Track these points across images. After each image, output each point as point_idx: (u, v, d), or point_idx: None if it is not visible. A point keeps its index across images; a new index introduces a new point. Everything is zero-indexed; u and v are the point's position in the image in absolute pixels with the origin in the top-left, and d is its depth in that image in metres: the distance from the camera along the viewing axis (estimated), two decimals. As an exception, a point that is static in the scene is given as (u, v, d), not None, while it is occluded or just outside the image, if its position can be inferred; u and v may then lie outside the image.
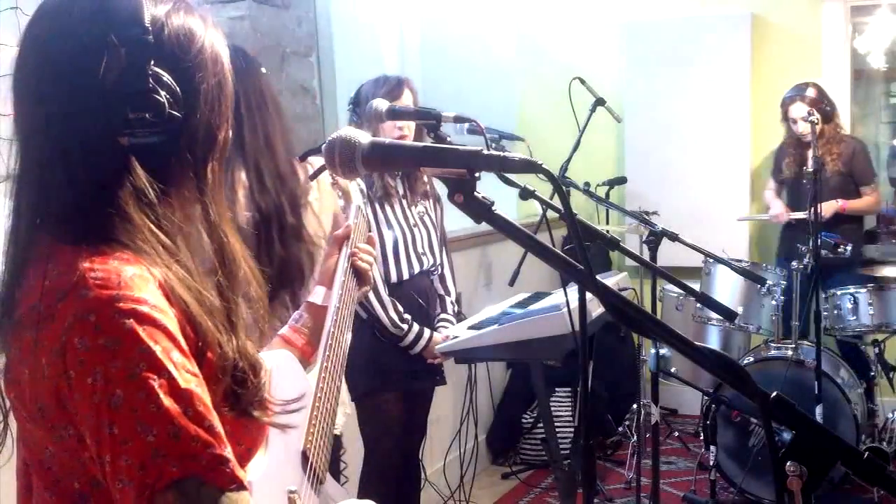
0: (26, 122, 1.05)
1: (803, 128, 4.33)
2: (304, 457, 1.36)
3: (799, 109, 4.42)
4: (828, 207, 4.30)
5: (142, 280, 0.98)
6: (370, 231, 1.88)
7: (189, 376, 0.97)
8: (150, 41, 1.02)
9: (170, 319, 0.98)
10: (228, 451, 0.98)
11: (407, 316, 2.89)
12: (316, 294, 1.64)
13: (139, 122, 1.01)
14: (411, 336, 2.88)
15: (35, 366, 0.97)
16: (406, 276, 2.93)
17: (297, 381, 1.36)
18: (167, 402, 0.94)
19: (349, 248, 1.68)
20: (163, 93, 1.02)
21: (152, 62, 1.02)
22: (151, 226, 1.03)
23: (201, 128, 1.08)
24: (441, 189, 2.92)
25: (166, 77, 1.03)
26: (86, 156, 1.01)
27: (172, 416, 0.94)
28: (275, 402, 1.13)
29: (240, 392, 1.07)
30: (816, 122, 4.02)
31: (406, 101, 2.89)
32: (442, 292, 3.09)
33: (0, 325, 1.03)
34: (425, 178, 3.02)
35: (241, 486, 0.98)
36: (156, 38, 1.03)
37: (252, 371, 1.08)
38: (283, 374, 1.29)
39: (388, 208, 2.91)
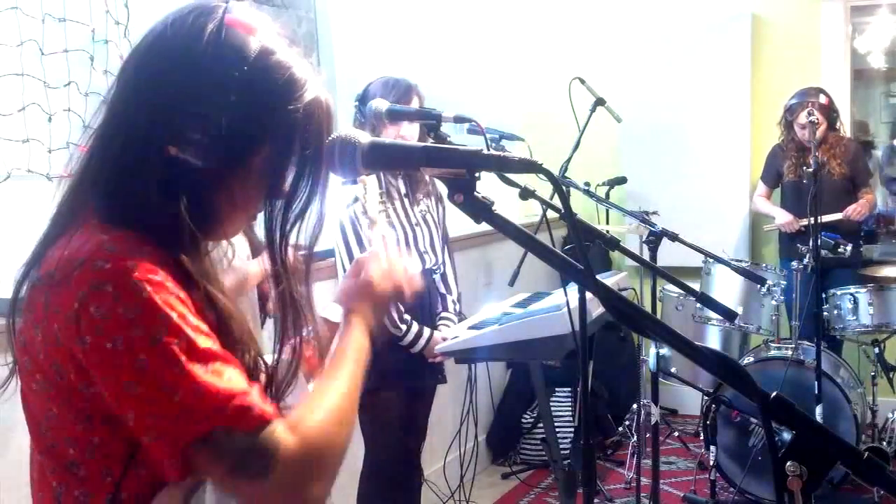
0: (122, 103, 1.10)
1: (811, 133, 4.29)
2: None
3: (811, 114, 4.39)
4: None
5: (153, 257, 1.03)
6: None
7: (204, 337, 1.02)
8: (239, 75, 1.09)
9: (180, 289, 1.03)
10: (252, 395, 1.03)
11: (407, 316, 2.89)
12: (330, 310, 1.67)
13: (193, 141, 1.07)
14: (410, 336, 2.88)
15: (48, 330, 1.02)
16: None
17: None
18: (189, 364, 0.99)
19: None
20: (229, 124, 1.08)
21: (237, 93, 1.09)
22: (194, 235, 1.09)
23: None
24: (442, 188, 2.92)
25: (242, 113, 1.09)
26: (139, 154, 1.07)
27: (194, 376, 0.99)
28: None
29: None
30: (817, 122, 4.03)
31: (413, 106, 2.88)
32: (443, 291, 3.09)
33: (21, 284, 1.08)
34: (427, 178, 3.02)
35: (268, 422, 1.03)
36: (251, 74, 1.10)
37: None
38: None
39: (389, 207, 2.91)
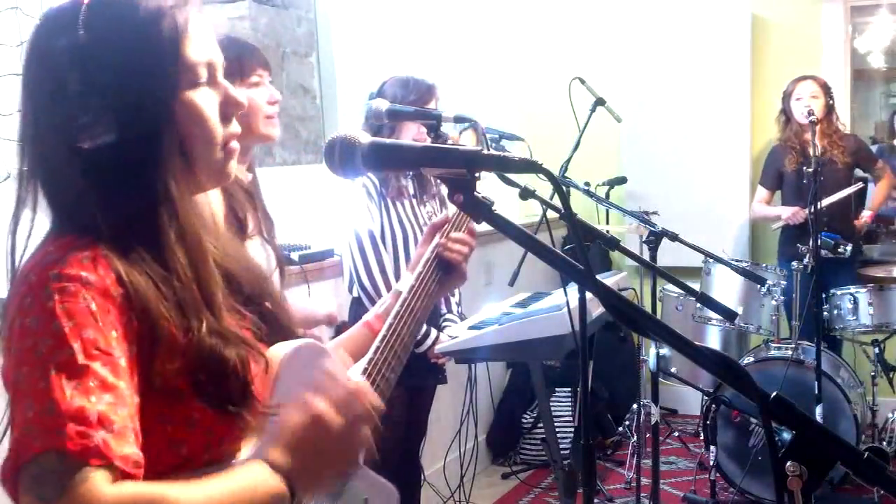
0: (25, 125, 1.11)
1: (806, 107, 4.24)
2: None
3: (808, 87, 4.40)
4: (861, 225, 4.54)
5: (87, 259, 1.00)
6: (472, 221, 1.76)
7: (96, 353, 0.96)
8: (81, 44, 1.05)
9: (104, 299, 0.99)
10: (107, 430, 0.94)
11: None
12: (403, 282, 1.59)
13: (88, 124, 1.04)
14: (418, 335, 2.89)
15: (5, 344, 1.02)
16: None
17: (311, 371, 1.30)
18: (55, 378, 0.94)
19: (441, 237, 1.62)
20: (97, 91, 1.05)
21: (86, 62, 1.05)
22: (117, 220, 1.05)
23: (152, 114, 1.07)
24: (443, 190, 2.91)
25: (102, 73, 1.04)
26: (53, 165, 1.07)
27: (53, 391, 0.93)
28: (262, 402, 1.11)
29: (217, 384, 1.06)
30: (816, 119, 4.03)
31: (432, 107, 2.89)
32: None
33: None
34: (433, 179, 3.03)
35: (100, 465, 0.93)
36: (88, 37, 1.05)
37: (225, 364, 1.07)
38: (295, 366, 1.21)
39: (399, 207, 2.92)
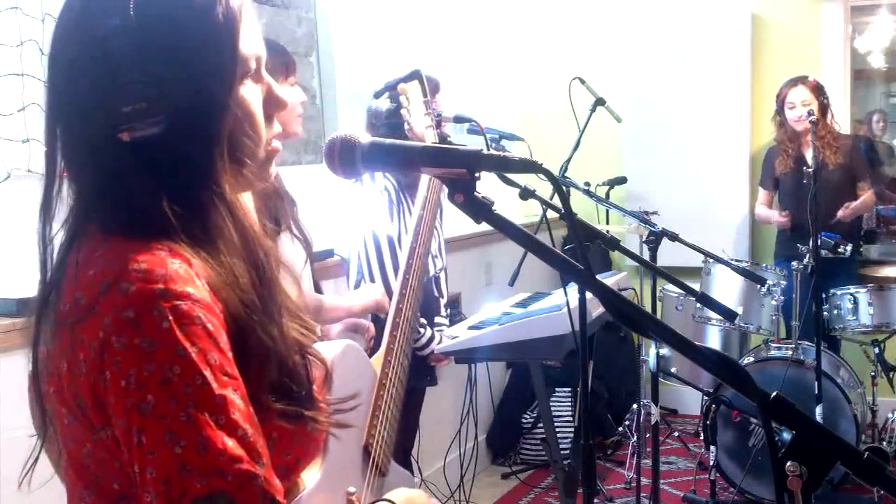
0: (51, 120, 1.02)
1: (801, 112, 4.28)
2: (366, 451, 1.34)
3: (800, 93, 4.40)
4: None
5: (187, 274, 0.93)
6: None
7: (226, 380, 0.92)
8: (132, 26, 0.96)
9: (214, 316, 0.94)
10: (261, 465, 0.93)
11: (423, 320, 2.90)
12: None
13: (135, 114, 0.95)
14: (423, 339, 2.89)
15: (73, 361, 0.93)
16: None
17: (360, 372, 1.31)
18: (197, 410, 0.89)
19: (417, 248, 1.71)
20: (151, 78, 0.95)
21: (139, 47, 0.95)
22: (183, 220, 0.98)
23: (208, 106, 1.00)
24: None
25: (157, 59, 0.96)
26: (94, 156, 0.98)
27: (201, 425, 0.89)
28: (327, 401, 1.09)
29: (292, 389, 1.03)
30: (815, 120, 4.03)
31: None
32: (437, 294, 3.10)
33: (43, 314, 0.99)
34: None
35: (275, 502, 0.94)
36: (140, 19, 0.96)
37: (302, 366, 1.05)
38: (345, 366, 1.24)
39: (407, 212, 2.92)
